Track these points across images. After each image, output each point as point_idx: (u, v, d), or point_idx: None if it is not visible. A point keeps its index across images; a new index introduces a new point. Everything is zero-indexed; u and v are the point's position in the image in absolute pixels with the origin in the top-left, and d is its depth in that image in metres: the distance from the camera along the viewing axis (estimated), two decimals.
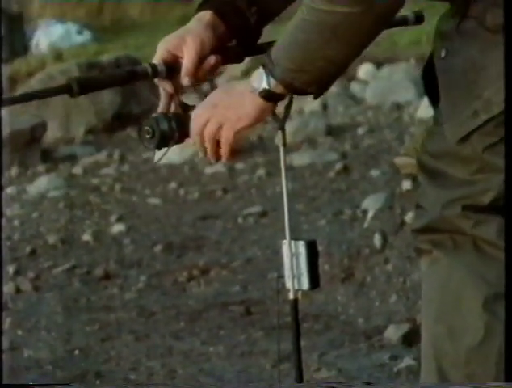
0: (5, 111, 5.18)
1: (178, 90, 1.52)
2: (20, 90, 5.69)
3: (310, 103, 5.42)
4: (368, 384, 2.21)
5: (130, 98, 5.55)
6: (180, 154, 4.62)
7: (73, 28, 7.90)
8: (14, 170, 4.62)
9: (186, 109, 1.50)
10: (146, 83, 4.27)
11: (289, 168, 2.32)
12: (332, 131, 4.95)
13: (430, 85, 1.54)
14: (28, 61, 6.89)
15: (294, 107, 1.61)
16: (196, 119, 1.47)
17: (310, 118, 5.16)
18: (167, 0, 8.86)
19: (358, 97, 5.74)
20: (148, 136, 1.47)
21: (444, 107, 1.51)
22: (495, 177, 1.39)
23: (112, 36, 7.99)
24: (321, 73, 1.43)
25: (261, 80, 1.42)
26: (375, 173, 4.21)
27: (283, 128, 1.43)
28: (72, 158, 4.96)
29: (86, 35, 7.93)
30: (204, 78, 1.53)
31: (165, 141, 1.48)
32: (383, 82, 5.83)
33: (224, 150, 1.43)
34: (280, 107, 1.47)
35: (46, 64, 5.97)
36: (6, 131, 4.36)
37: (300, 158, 4.48)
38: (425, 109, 4.76)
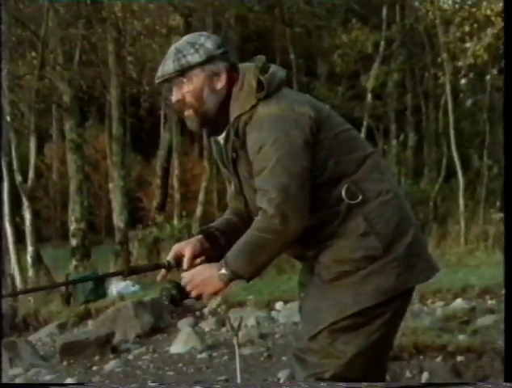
0: None
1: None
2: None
3: None
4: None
5: None
6: None
7: (129, 284, 10.46)
8: None
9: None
10: None
11: None
12: None
13: None
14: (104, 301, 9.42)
15: None
16: (187, 285, 2.40)
17: None
18: None
19: None
20: (164, 298, 2.34)
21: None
22: None
23: (151, 287, 10.25)
24: (254, 269, 2.35)
25: (225, 275, 2.36)
26: None
27: None
28: None
29: (137, 288, 10.42)
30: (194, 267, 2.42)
31: (174, 301, 2.34)
32: None
33: (207, 299, 2.43)
34: None
35: (115, 302, 8.52)
36: None
37: None
38: None
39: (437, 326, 6.34)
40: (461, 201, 14.17)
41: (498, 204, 13.93)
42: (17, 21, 14.08)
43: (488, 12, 13.56)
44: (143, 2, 15.08)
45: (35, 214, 13.87)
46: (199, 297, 2.41)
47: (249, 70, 2.44)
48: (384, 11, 18.90)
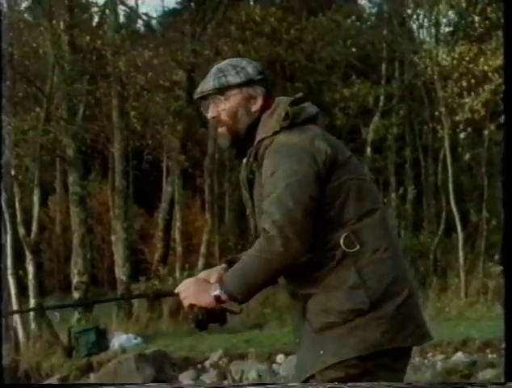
0: None
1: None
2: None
3: None
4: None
5: None
6: None
7: (131, 337, 10.69)
8: None
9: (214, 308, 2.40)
10: None
11: None
12: None
13: None
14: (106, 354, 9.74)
15: None
16: (180, 292, 2.46)
17: None
18: None
19: None
20: (191, 321, 2.41)
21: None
22: None
23: (153, 340, 10.95)
24: (248, 290, 2.38)
25: (216, 290, 2.40)
26: None
27: None
28: None
29: (139, 340, 10.65)
30: None
31: (201, 324, 2.40)
32: None
33: (187, 306, 2.42)
34: None
35: (117, 355, 9.04)
36: None
37: None
38: None
39: (438, 380, 6.39)
40: (461, 254, 14.25)
41: (497, 257, 13.97)
42: (22, 77, 14.36)
43: (486, 68, 13.88)
44: (147, 58, 15.38)
45: (38, 267, 13.93)
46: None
47: (283, 102, 2.58)
48: (384, 67, 19.28)
